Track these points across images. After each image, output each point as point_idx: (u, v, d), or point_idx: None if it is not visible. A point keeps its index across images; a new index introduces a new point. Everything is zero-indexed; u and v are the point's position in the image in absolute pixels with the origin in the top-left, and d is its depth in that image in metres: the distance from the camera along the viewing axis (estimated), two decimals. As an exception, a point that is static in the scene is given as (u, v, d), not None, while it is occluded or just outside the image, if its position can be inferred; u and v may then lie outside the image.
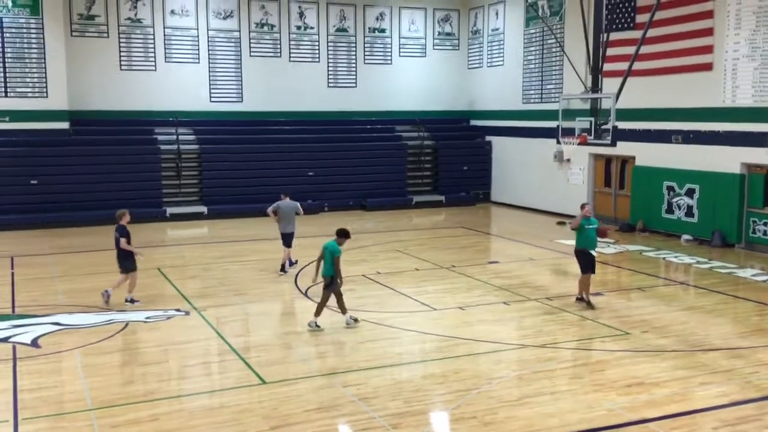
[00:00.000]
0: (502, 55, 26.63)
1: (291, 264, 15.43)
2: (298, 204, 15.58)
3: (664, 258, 17.14)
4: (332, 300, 11.37)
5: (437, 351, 10.54)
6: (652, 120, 20.04)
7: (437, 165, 27.22)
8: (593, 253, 12.79)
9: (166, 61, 24.60)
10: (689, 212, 19.23)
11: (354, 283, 14.60)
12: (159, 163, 23.42)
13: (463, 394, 8.73)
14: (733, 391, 8.83)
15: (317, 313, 11.36)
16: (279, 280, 14.80)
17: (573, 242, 19.61)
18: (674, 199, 19.62)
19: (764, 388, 8.92)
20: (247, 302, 13.18)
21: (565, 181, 23.57)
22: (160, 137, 24.14)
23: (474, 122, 28.43)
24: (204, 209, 23.28)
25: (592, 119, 16.40)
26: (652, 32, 17.92)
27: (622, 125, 17.70)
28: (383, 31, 27.45)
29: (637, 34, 18.37)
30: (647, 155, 20.45)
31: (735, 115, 17.92)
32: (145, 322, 11.79)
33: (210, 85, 25.22)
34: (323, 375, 9.41)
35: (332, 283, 11.21)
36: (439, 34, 28.30)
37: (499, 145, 27.11)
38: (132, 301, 12.74)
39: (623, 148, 19.78)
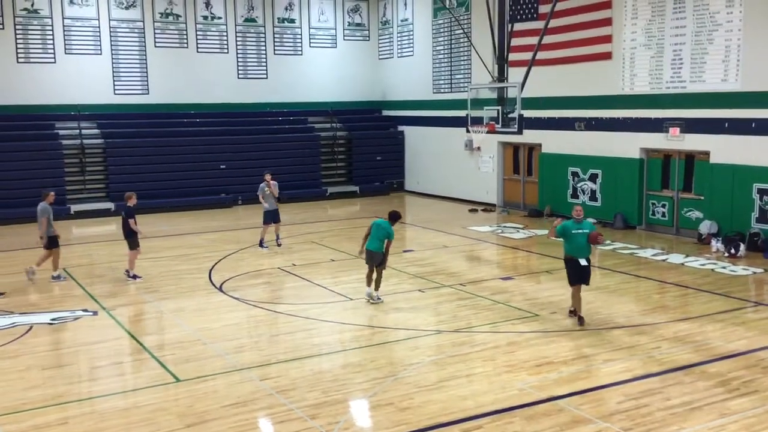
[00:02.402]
0: (411, 45, 26.87)
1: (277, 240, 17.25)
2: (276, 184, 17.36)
3: (570, 241, 17.74)
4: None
5: (354, 340, 10.61)
6: (557, 108, 20.68)
7: (351, 156, 27.26)
8: (583, 261, 10.90)
9: (66, 53, 23.63)
10: (593, 196, 19.99)
11: (270, 276, 14.52)
12: (61, 159, 22.52)
13: (380, 382, 8.82)
14: (636, 366, 9.24)
15: (377, 287, 12.25)
16: (193, 276, 14.56)
17: (485, 228, 20.15)
18: (579, 184, 20.35)
19: (666, 362, 9.36)
20: (159, 299, 12.87)
21: (476, 169, 24.05)
22: (61, 132, 23.20)
23: (386, 112, 28.61)
24: (111, 206, 22.50)
25: (499, 108, 16.81)
26: (554, 22, 18.47)
27: (528, 113, 18.16)
28: (293, 21, 27.21)
29: (540, 24, 18.87)
30: (552, 142, 21.11)
31: (633, 102, 18.69)
32: (51, 323, 11.37)
33: (114, 77, 24.40)
34: (240, 370, 9.32)
35: (383, 259, 12.18)
36: (349, 24, 28.28)
37: (412, 134, 27.39)
38: (134, 276, 14.07)
39: (530, 136, 20.36)
